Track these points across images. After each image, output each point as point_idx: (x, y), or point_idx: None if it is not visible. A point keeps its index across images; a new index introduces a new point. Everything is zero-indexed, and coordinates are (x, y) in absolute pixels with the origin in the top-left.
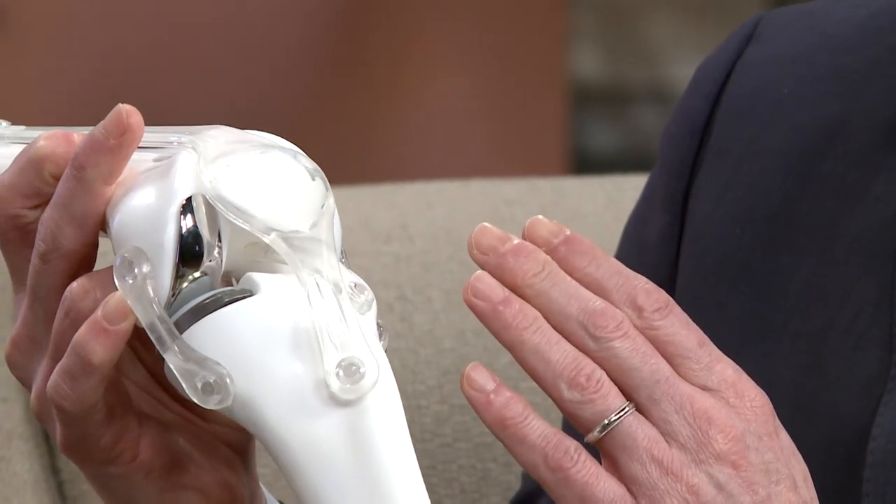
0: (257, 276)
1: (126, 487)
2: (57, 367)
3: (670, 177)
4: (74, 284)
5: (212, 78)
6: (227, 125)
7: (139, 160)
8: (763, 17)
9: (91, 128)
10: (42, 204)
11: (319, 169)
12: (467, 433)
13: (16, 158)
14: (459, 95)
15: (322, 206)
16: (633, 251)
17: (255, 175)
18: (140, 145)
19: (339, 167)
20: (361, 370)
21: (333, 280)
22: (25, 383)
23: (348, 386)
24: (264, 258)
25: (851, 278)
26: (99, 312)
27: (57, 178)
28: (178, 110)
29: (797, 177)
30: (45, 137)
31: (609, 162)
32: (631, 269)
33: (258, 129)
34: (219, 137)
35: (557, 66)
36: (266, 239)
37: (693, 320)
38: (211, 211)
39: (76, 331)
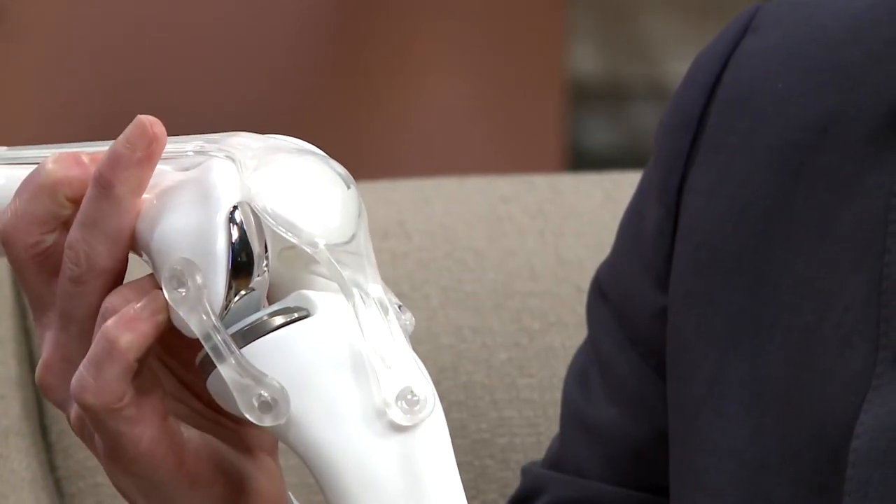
0: (312, 295)
1: (173, 498)
2: (83, 361)
3: (664, 170)
4: (113, 296)
5: (211, 76)
6: (227, 122)
7: (159, 171)
8: (760, 7)
9: (77, 143)
10: (58, 228)
11: (350, 175)
12: (464, 430)
13: (22, 186)
14: (457, 92)
15: (359, 215)
16: (629, 245)
17: (297, 185)
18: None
19: None
20: (419, 397)
21: (379, 299)
22: (63, 406)
23: (407, 415)
24: (299, 266)
25: (843, 273)
26: (132, 306)
27: (73, 201)
28: (178, 109)
29: (791, 171)
30: (53, 161)
31: (607, 159)
32: (627, 263)
33: (258, 126)
34: (250, 145)
35: (555, 64)
36: (312, 251)
37: (686, 315)
38: (257, 222)
39: None
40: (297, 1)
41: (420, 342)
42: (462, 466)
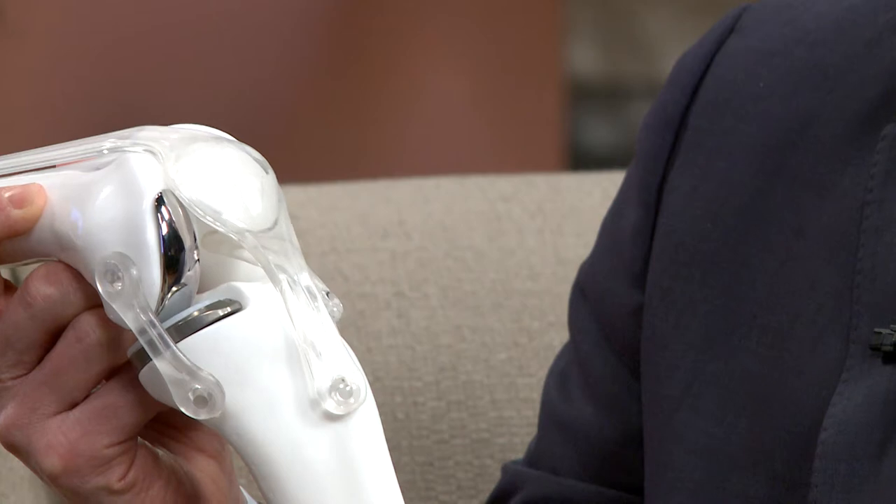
0: (243, 287)
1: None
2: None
3: (645, 169)
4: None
5: (209, 74)
6: (225, 121)
7: (67, 174)
8: (746, 8)
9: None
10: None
11: (266, 160)
12: (464, 429)
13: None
14: (456, 91)
15: (279, 200)
16: (609, 244)
17: (218, 174)
18: (61, 162)
19: (336, 163)
20: (352, 387)
21: (307, 286)
22: (27, 459)
23: (340, 403)
24: (224, 250)
25: (816, 271)
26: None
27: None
28: (176, 107)
29: (768, 171)
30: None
31: (606, 158)
32: (605, 262)
33: (257, 125)
34: (167, 136)
35: (554, 62)
36: (238, 239)
37: (663, 315)
38: (184, 212)
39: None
40: (296, 1)
41: (420, 341)
42: (461, 466)
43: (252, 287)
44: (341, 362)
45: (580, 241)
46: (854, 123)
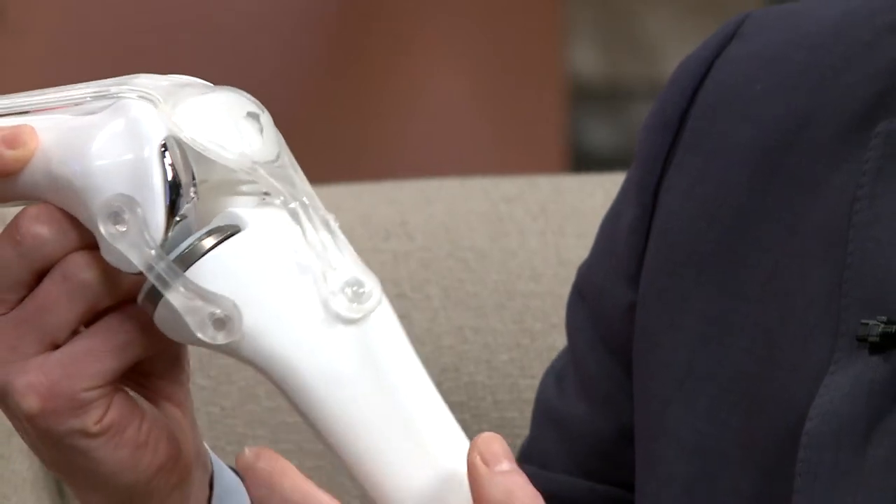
0: (240, 212)
1: (85, 448)
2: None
3: (643, 170)
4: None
5: (209, 74)
6: None
7: (56, 118)
8: (749, 15)
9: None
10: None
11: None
12: (466, 431)
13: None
14: (458, 92)
15: (277, 135)
16: (606, 245)
17: (217, 115)
18: (47, 106)
19: (338, 164)
20: (365, 289)
21: (314, 206)
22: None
23: (355, 305)
24: (218, 197)
25: (808, 268)
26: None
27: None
28: None
29: (765, 171)
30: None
31: (608, 159)
32: (602, 263)
33: None
34: (160, 84)
35: (555, 63)
36: (249, 173)
37: (657, 313)
38: (184, 154)
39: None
40: (298, 1)
41: (422, 343)
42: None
43: (249, 211)
44: (354, 268)
45: (582, 243)
46: (850, 122)
